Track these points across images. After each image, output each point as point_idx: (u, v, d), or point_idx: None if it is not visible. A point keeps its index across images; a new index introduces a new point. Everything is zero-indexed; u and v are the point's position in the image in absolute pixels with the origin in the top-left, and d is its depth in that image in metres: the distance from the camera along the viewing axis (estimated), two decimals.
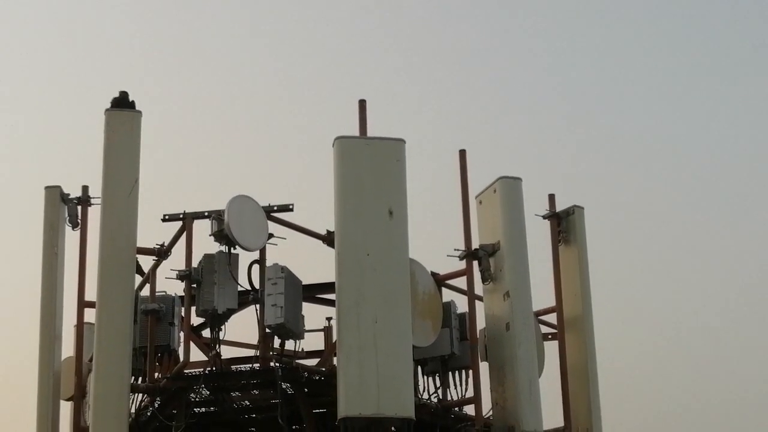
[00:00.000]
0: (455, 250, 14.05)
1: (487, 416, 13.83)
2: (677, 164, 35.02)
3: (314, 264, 14.68)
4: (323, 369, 13.79)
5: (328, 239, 13.67)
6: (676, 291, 32.22)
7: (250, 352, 14.00)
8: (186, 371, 13.64)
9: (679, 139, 35.45)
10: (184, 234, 13.84)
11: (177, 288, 13.94)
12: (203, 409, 14.73)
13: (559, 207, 15.25)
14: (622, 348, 28.16)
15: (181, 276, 13.56)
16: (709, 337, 31.42)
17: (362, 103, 13.76)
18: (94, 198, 14.38)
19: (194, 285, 13.54)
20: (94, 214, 14.10)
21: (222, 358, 13.65)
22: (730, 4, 37.47)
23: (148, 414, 14.10)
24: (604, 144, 35.20)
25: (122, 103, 13.97)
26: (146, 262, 14.16)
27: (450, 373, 14.39)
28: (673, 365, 30.77)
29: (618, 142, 35.27)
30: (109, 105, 13.92)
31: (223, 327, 13.60)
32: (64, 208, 14.59)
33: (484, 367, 14.02)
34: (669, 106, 36.08)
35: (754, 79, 35.90)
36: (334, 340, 13.39)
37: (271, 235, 13.78)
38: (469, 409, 14.12)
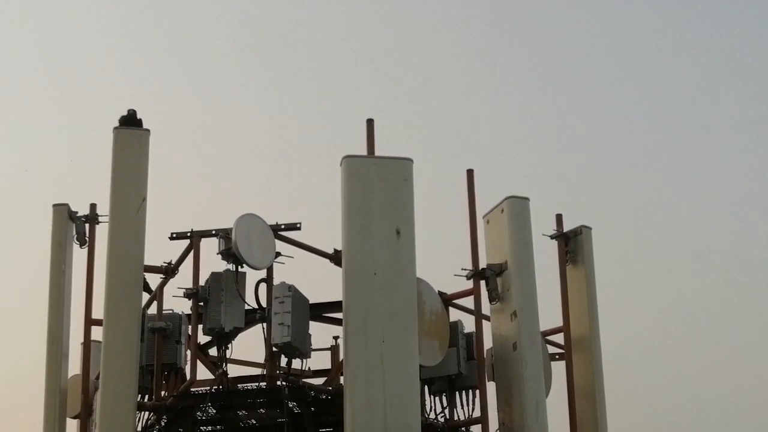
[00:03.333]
0: (462, 269, 14.06)
1: None
2: (688, 183, 35.02)
3: (321, 283, 14.69)
4: (330, 388, 13.78)
5: (336, 258, 13.68)
6: (685, 308, 32.19)
7: (257, 371, 14.00)
8: (192, 390, 13.64)
9: (690, 157, 35.47)
10: (192, 252, 13.85)
11: (184, 306, 13.96)
12: (210, 428, 14.72)
13: (567, 227, 15.25)
14: (629, 363, 28.12)
15: (189, 294, 13.57)
16: (719, 351, 31.40)
17: (370, 123, 13.79)
18: (101, 216, 14.41)
19: (201, 303, 13.54)
20: (102, 232, 14.15)
21: (229, 376, 13.64)
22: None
23: None
24: (613, 164, 35.21)
25: (130, 121, 14.03)
26: (153, 280, 14.19)
27: (457, 392, 14.36)
28: (681, 379, 30.74)
29: (628, 162, 35.28)
30: (117, 123, 13.98)
31: (230, 345, 13.60)
32: (72, 226, 14.62)
33: (491, 386, 14.01)
34: (680, 124, 36.11)
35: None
36: (341, 359, 13.39)
37: (278, 254, 13.78)
38: (476, 429, 14.11)
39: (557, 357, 15.13)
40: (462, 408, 14.35)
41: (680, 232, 33.98)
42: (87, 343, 14.30)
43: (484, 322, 14.10)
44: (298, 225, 13.93)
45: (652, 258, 33.01)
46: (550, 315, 14.88)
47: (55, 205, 14.75)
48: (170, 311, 14.15)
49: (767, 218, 33.97)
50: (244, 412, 14.17)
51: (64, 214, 14.66)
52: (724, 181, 35.00)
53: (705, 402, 30.12)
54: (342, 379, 13.01)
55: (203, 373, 13.78)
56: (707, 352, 31.53)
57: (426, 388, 14.32)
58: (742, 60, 36.83)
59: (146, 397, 13.93)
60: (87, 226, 14.55)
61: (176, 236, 13.99)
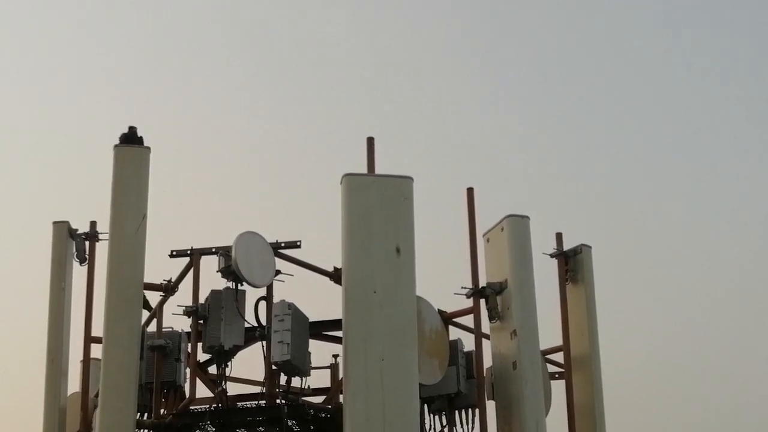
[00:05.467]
0: (462, 288, 14.05)
1: None
2: (690, 201, 35.04)
3: (321, 301, 14.68)
4: (329, 406, 13.78)
5: (336, 276, 13.68)
6: (687, 327, 32.17)
7: (257, 389, 13.98)
8: (192, 408, 13.63)
9: (691, 176, 35.51)
10: (192, 270, 13.85)
11: (184, 324, 13.95)
12: None
13: (567, 246, 15.24)
14: (630, 381, 28.09)
15: (188, 312, 13.57)
16: (722, 368, 31.37)
17: (370, 141, 13.80)
18: (102, 233, 14.42)
19: (201, 321, 13.55)
20: (102, 249, 14.15)
21: (228, 394, 13.63)
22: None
23: None
24: (613, 183, 35.23)
25: (131, 138, 14.04)
26: (153, 297, 14.18)
27: (456, 411, 14.34)
28: (684, 397, 30.73)
29: (628, 181, 35.31)
30: (117, 141, 14.00)
31: (229, 363, 13.60)
32: (72, 243, 14.62)
33: (490, 405, 13.98)
34: (682, 142, 36.16)
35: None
36: (340, 378, 13.38)
37: (278, 272, 13.78)
38: None
39: (557, 376, 15.11)
40: (461, 427, 14.33)
41: (682, 250, 34.00)
42: (86, 360, 14.28)
43: (484, 341, 14.08)
44: (298, 243, 13.94)
45: (653, 276, 33.02)
46: (550, 334, 14.88)
47: (54, 223, 14.75)
48: (170, 329, 14.15)
49: None
50: (243, 430, 14.13)
51: (64, 232, 14.66)
52: (727, 198, 35.06)
53: (705, 420, 30.11)
54: (341, 398, 12.99)
55: (203, 391, 13.78)
56: (710, 369, 31.50)
57: (425, 406, 14.30)
58: (739, 69, 36.94)
59: (145, 415, 13.91)
60: (87, 243, 14.55)
61: (176, 254, 13.99)
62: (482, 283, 14.07)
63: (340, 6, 36.44)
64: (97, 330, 13.77)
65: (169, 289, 14.06)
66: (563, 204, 32.68)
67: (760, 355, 31.19)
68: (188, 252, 13.91)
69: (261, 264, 13.56)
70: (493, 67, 36.90)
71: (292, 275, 13.89)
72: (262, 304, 13.76)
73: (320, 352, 14.24)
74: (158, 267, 14.03)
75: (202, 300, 13.61)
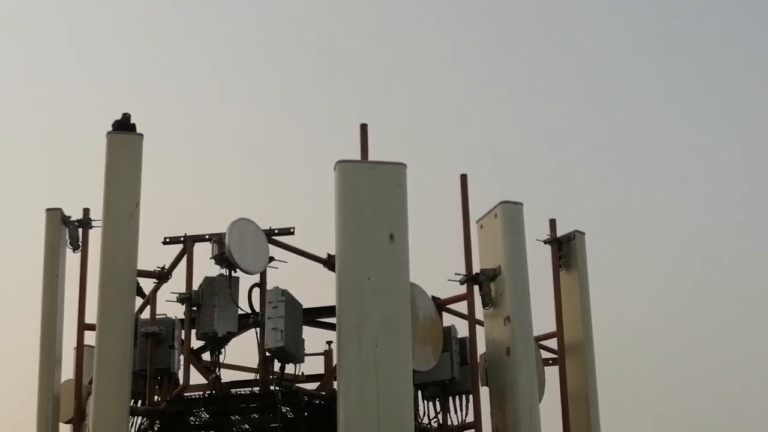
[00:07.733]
0: (456, 274, 14.05)
1: None
2: (682, 187, 35.08)
3: (315, 287, 14.69)
4: (323, 393, 13.78)
5: (329, 263, 13.67)
6: (677, 312, 32.23)
7: (250, 376, 13.98)
8: (186, 394, 13.63)
9: (684, 161, 35.54)
10: (185, 257, 13.84)
11: (177, 311, 13.95)
12: None
13: (560, 232, 15.24)
14: (623, 366, 28.15)
15: (182, 299, 13.56)
16: (714, 347, 31.44)
17: (364, 128, 13.78)
18: (95, 220, 14.40)
19: (194, 308, 13.53)
20: (95, 236, 14.16)
21: (222, 381, 13.63)
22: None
23: None
24: (607, 169, 35.26)
25: (124, 125, 14.03)
26: (147, 284, 14.18)
27: (450, 397, 14.36)
28: (676, 383, 30.79)
29: (622, 168, 35.33)
30: (111, 128, 13.97)
31: (223, 350, 13.60)
32: (65, 230, 14.60)
33: (484, 391, 14.00)
34: (674, 128, 36.19)
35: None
36: (334, 364, 13.39)
37: (271, 259, 13.78)
38: None
39: (551, 362, 15.13)
40: (455, 413, 14.36)
41: (674, 237, 34.04)
42: (80, 347, 14.27)
43: (478, 327, 14.09)
44: (292, 230, 13.93)
45: (646, 262, 33.06)
46: (543, 320, 14.89)
47: (48, 210, 14.73)
48: (163, 316, 14.15)
49: (764, 218, 34.13)
50: (237, 416, 14.16)
51: (57, 219, 14.64)
52: (719, 185, 35.09)
53: (697, 404, 30.17)
54: (335, 384, 13.01)
55: (196, 377, 13.78)
56: (702, 353, 31.57)
57: (419, 393, 14.31)
58: (736, 62, 36.96)
59: (139, 401, 13.92)
60: (80, 230, 14.54)
61: (169, 241, 13.98)
62: (476, 269, 14.08)
63: None
64: (91, 317, 13.76)
65: (162, 276, 14.06)
66: (557, 190, 32.71)
67: (751, 339, 31.30)
68: (182, 239, 13.90)
69: (254, 251, 13.55)
70: (486, 55, 36.90)
71: (285, 262, 13.89)
72: (256, 291, 13.76)
73: (314, 338, 14.27)
74: (152, 254, 14.05)
75: (195, 287, 13.60)
